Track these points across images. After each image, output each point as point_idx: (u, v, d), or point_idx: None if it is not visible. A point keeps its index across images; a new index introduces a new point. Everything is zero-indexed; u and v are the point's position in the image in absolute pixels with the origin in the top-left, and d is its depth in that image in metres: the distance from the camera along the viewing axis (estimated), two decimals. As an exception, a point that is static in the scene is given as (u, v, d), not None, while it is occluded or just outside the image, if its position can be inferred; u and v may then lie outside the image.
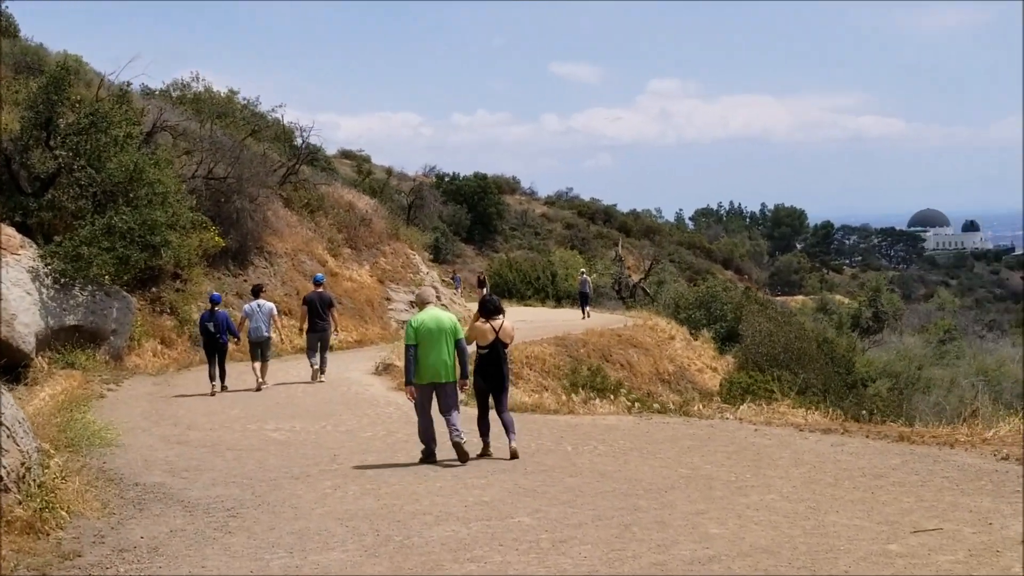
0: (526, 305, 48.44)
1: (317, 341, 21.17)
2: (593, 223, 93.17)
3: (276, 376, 21.42)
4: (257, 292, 21.51)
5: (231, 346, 20.81)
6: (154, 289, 26.02)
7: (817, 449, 11.58)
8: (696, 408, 15.05)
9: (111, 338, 23.02)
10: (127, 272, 23.58)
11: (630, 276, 65.90)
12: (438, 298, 35.80)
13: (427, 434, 12.03)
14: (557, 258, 64.51)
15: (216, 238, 27.68)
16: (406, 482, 10.80)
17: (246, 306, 21.30)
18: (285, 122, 39.20)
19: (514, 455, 11.81)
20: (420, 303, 12.37)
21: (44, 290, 21.76)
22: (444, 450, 12.01)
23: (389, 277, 35.33)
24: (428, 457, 11.97)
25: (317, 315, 21.24)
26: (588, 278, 40.73)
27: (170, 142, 29.80)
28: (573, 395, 16.89)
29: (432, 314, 11.92)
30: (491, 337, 12.02)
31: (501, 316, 12.21)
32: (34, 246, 22.41)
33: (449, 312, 12.84)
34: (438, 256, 55.82)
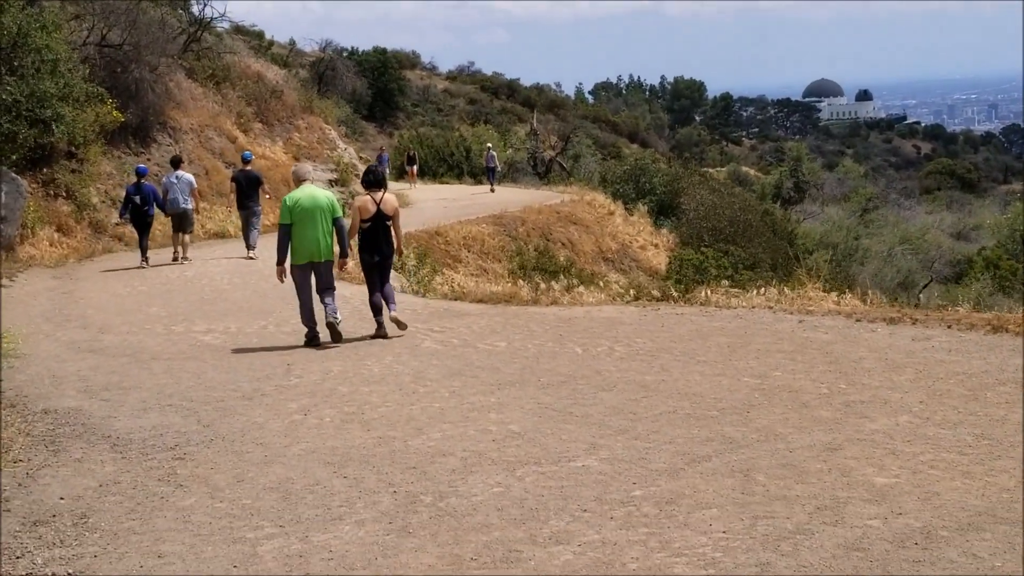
0: (442, 183, 46.15)
1: (245, 220, 20.81)
2: (497, 98, 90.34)
3: (194, 256, 20.29)
4: (176, 163, 20.48)
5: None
6: (47, 170, 22.96)
7: (900, 345, 9.53)
8: (703, 294, 12.90)
9: (0, 226, 20.14)
10: (15, 151, 20.68)
11: (545, 151, 63.64)
12: (356, 177, 33.13)
13: (308, 317, 11.60)
14: (470, 133, 61.80)
15: (114, 112, 24.61)
16: (393, 401, 8.56)
17: (164, 178, 20.48)
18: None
19: (399, 325, 11.66)
20: (296, 180, 11.94)
21: (-83, 172, 18.79)
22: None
23: (304, 154, 32.45)
24: (311, 341, 11.48)
25: (243, 194, 20.63)
26: (495, 152, 40.81)
27: (57, 5, 26.42)
28: (554, 283, 14.64)
29: (308, 192, 11.58)
30: (372, 210, 11.60)
31: (383, 189, 11.81)
32: (-97, 122, 19.31)
33: (326, 190, 12.45)
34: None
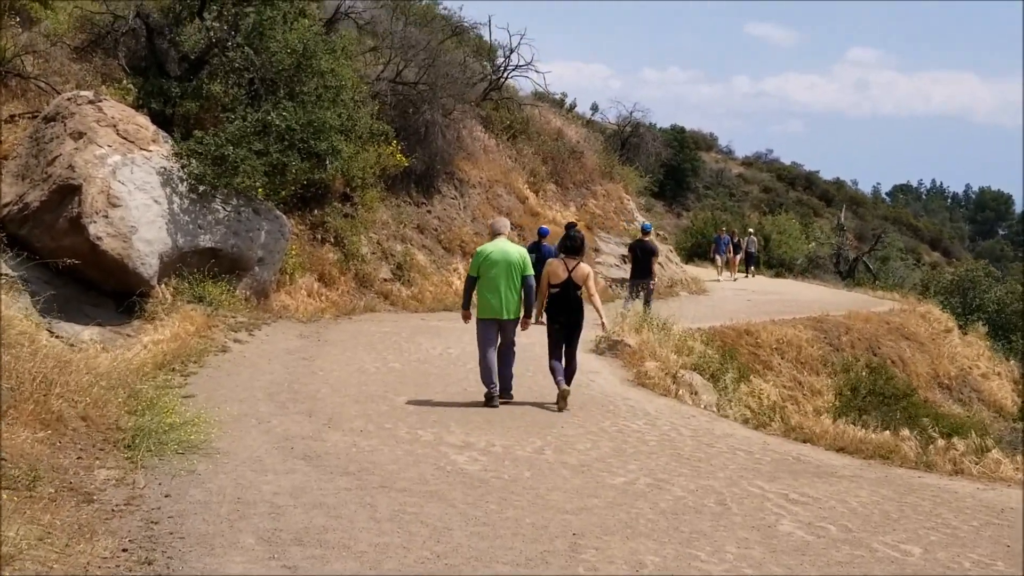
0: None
1: (633, 291, 19.83)
2: (793, 188, 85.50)
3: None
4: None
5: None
6: (316, 212, 20.48)
7: None
8: None
9: (255, 268, 17.60)
10: (283, 186, 18.25)
11: (850, 249, 58.81)
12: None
13: (487, 376, 11.21)
14: (770, 222, 57.54)
15: (398, 155, 22.05)
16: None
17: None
18: (490, 38, 33.12)
19: (561, 398, 11.15)
20: (491, 233, 11.71)
21: (176, 199, 16.42)
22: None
23: (599, 224, 29.18)
24: (489, 401, 11.11)
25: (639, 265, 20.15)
26: (755, 238, 40.61)
27: (354, 34, 24.26)
28: (955, 439, 10.45)
29: (500, 246, 11.30)
30: (563, 276, 11.37)
31: (579, 257, 11.54)
32: (169, 141, 17.02)
33: (519, 245, 11.99)
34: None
